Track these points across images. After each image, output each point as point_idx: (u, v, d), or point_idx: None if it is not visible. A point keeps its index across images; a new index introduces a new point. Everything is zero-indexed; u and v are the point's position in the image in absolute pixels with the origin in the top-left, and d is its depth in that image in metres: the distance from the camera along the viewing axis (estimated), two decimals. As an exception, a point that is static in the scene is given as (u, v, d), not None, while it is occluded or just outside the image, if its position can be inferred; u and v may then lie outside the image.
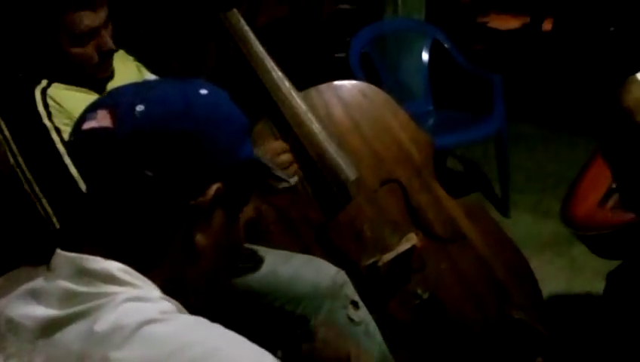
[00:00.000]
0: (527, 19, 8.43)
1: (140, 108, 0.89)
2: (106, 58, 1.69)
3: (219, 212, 0.95)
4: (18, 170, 1.55)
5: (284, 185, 1.75)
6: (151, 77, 1.94)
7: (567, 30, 6.60)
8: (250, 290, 1.80)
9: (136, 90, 0.94)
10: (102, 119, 0.89)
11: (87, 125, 0.90)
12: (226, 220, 0.97)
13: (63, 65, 1.65)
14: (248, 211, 1.02)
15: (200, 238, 0.94)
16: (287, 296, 1.79)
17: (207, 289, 0.99)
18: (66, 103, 1.63)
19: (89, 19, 1.61)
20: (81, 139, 0.91)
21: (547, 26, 7.71)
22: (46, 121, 1.59)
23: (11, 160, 1.55)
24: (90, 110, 0.92)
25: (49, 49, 1.64)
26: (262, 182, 1.06)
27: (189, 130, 0.90)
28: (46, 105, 1.61)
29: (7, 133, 1.56)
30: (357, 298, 1.83)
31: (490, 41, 7.91)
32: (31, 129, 1.57)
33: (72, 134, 0.95)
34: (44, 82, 1.64)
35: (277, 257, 1.85)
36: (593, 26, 6.12)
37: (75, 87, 1.68)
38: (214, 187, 0.92)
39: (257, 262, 1.78)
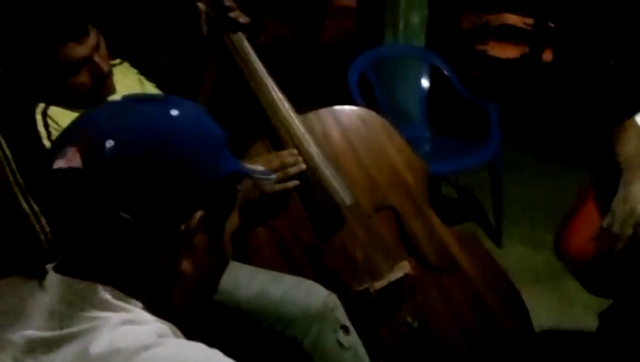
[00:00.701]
0: (527, 49, 8.48)
1: (109, 144, 0.84)
2: (102, 81, 1.70)
3: (201, 235, 0.93)
4: (17, 188, 1.54)
5: (269, 182, 1.78)
6: (153, 90, 1.95)
7: (566, 62, 6.64)
8: (239, 309, 1.79)
9: (104, 118, 0.89)
10: (71, 158, 0.85)
11: (56, 164, 0.86)
12: (210, 240, 0.95)
13: (60, 92, 1.66)
14: (234, 221, 1.00)
15: (185, 265, 0.92)
16: (277, 317, 1.78)
17: (194, 307, 0.99)
18: (66, 124, 1.63)
19: (76, 51, 1.63)
20: (51, 179, 0.87)
21: (547, 56, 7.75)
22: (46, 142, 1.60)
23: (11, 178, 1.54)
24: (60, 144, 0.88)
25: (45, 78, 1.64)
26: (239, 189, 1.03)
27: (164, 162, 0.86)
28: (46, 125, 1.61)
29: (7, 151, 1.56)
30: (347, 322, 1.82)
31: (488, 68, 7.96)
32: (31, 148, 1.58)
33: (43, 171, 0.90)
34: (41, 105, 1.65)
35: (267, 277, 1.84)
36: (593, 58, 6.16)
37: (75, 110, 1.68)
38: (197, 215, 0.90)
39: None
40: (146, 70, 2.00)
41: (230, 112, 1.98)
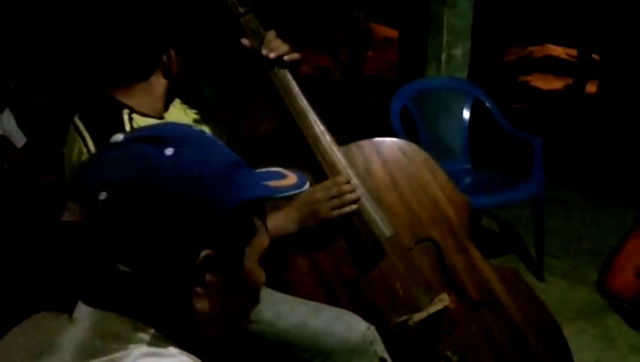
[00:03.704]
0: (570, 81, 8.43)
1: (102, 196, 0.83)
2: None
3: (212, 275, 0.89)
4: None
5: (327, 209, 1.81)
6: (195, 117, 1.98)
7: (611, 94, 6.57)
8: (278, 340, 1.80)
9: (100, 166, 0.87)
10: (72, 212, 0.85)
11: (63, 217, 0.86)
12: (227, 276, 0.91)
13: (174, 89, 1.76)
14: (261, 245, 0.96)
15: (200, 304, 0.89)
16: (316, 349, 1.79)
17: (223, 339, 0.96)
18: None
19: None
20: (60, 230, 0.86)
21: (590, 88, 7.69)
22: None
23: None
24: (67, 196, 0.87)
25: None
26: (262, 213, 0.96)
27: (159, 211, 0.83)
28: (132, 128, 1.65)
29: (91, 146, 1.60)
30: (386, 355, 1.82)
31: (531, 100, 7.92)
32: None
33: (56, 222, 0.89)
34: (127, 110, 1.70)
35: (308, 308, 1.86)
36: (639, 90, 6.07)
37: (148, 117, 1.74)
38: (202, 255, 0.86)
39: None
40: (190, 101, 2.04)
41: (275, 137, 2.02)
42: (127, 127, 1.64)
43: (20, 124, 3.89)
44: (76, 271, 0.89)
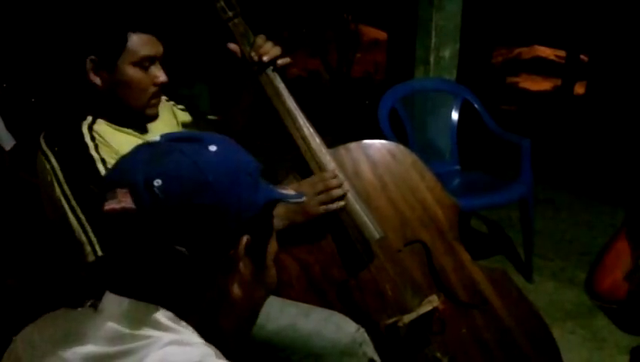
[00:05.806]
0: (559, 82, 8.45)
1: (157, 183, 0.90)
2: (158, 93, 1.74)
3: (247, 261, 0.99)
4: (64, 199, 1.57)
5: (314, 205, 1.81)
6: (183, 115, 1.98)
7: (600, 95, 6.58)
8: (268, 342, 1.80)
9: (148, 159, 0.94)
10: (122, 200, 0.90)
11: (108, 206, 0.91)
12: (256, 265, 1.01)
13: (110, 104, 1.70)
14: (275, 246, 1.06)
15: (235, 288, 0.98)
16: (306, 351, 1.79)
17: (239, 333, 1.04)
18: (112, 140, 1.66)
19: (152, 44, 1.68)
20: (105, 220, 0.92)
21: (579, 89, 7.71)
22: (93, 152, 1.60)
23: (57, 189, 1.58)
24: (108, 187, 0.92)
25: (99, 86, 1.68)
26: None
27: (211, 198, 0.91)
28: (92, 138, 1.63)
29: (54, 163, 1.60)
30: (376, 357, 1.82)
31: (520, 101, 7.94)
32: (78, 159, 1.60)
33: (96, 212, 0.95)
34: (89, 118, 1.68)
35: (297, 310, 1.85)
36: (627, 92, 6.09)
37: (118, 127, 1.72)
38: (244, 240, 0.96)
39: None
40: (186, 105, 2.03)
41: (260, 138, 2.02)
42: (87, 139, 1.63)
43: (10, 126, 3.85)
44: (108, 259, 0.96)
